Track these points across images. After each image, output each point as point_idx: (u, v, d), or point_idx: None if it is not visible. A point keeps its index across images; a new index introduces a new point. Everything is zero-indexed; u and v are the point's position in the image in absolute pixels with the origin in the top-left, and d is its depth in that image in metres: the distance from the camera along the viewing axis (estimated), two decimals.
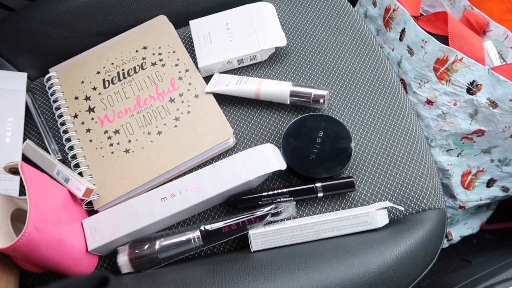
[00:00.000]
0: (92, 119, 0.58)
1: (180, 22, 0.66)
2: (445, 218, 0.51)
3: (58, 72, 0.63)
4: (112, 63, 0.62)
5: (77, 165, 0.56)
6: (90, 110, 0.59)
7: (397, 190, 0.52)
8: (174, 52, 0.61)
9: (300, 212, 0.52)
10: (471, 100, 0.61)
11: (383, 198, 0.52)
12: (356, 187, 0.52)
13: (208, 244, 0.48)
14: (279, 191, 0.50)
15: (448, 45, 0.61)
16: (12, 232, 0.45)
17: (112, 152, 0.56)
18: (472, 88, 0.60)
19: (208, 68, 0.59)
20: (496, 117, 0.60)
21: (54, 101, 0.61)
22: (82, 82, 0.61)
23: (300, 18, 0.64)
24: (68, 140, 0.58)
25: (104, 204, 0.52)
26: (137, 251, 0.47)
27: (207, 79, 0.60)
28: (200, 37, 0.61)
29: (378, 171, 0.53)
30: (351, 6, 0.67)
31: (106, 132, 0.57)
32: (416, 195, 0.52)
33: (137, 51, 0.63)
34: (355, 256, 0.43)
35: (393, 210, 0.51)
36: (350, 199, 0.52)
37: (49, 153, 0.57)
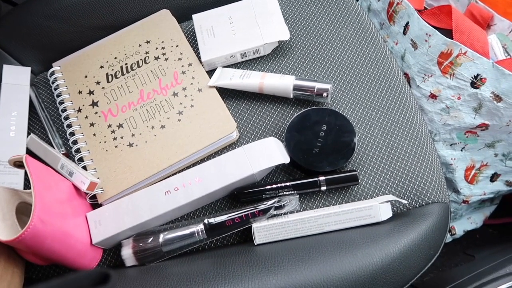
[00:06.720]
0: (96, 113, 0.58)
1: (183, 16, 0.66)
2: (449, 212, 0.51)
3: (62, 67, 0.63)
4: (116, 58, 0.62)
5: (81, 159, 0.56)
6: (94, 104, 0.59)
7: (401, 184, 0.52)
8: (177, 46, 0.61)
9: (304, 206, 0.52)
10: (475, 94, 0.60)
11: (387, 192, 0.52)
12: (359, 180, 0.52)
13: (211, 237, 0.49)
14: (283, 184, 0.50)
15: (452, 38, 0.60)
16: (17, 225, 0.46)
17: (116, 146, 0.56)
18: (476, 82, 0.60)
19: (211, 62, 0.59)
20: (500, 111, 0.59)
21: (58, 96, 0.61)
22: (86, 76, 0.62)
23: (303, 11, 0.64)
24: (72, 134, 0.58)
25: (108, 197, 0.53)
26: (141, 244, 0.48)
27: (210, 73, 0.60)
28: (203, 31, 0.61)
29: (382, 164, 0.53)
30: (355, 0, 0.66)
31: (109, 126, 0.57)
32: (420, 189, 0.52)
33: (140, 45, 0.63)
34: (358, 249, 0.43)
35: (397, 204, 0.51)
36: (354, 193, 0.52)
37: (53, 147, 0.57)
